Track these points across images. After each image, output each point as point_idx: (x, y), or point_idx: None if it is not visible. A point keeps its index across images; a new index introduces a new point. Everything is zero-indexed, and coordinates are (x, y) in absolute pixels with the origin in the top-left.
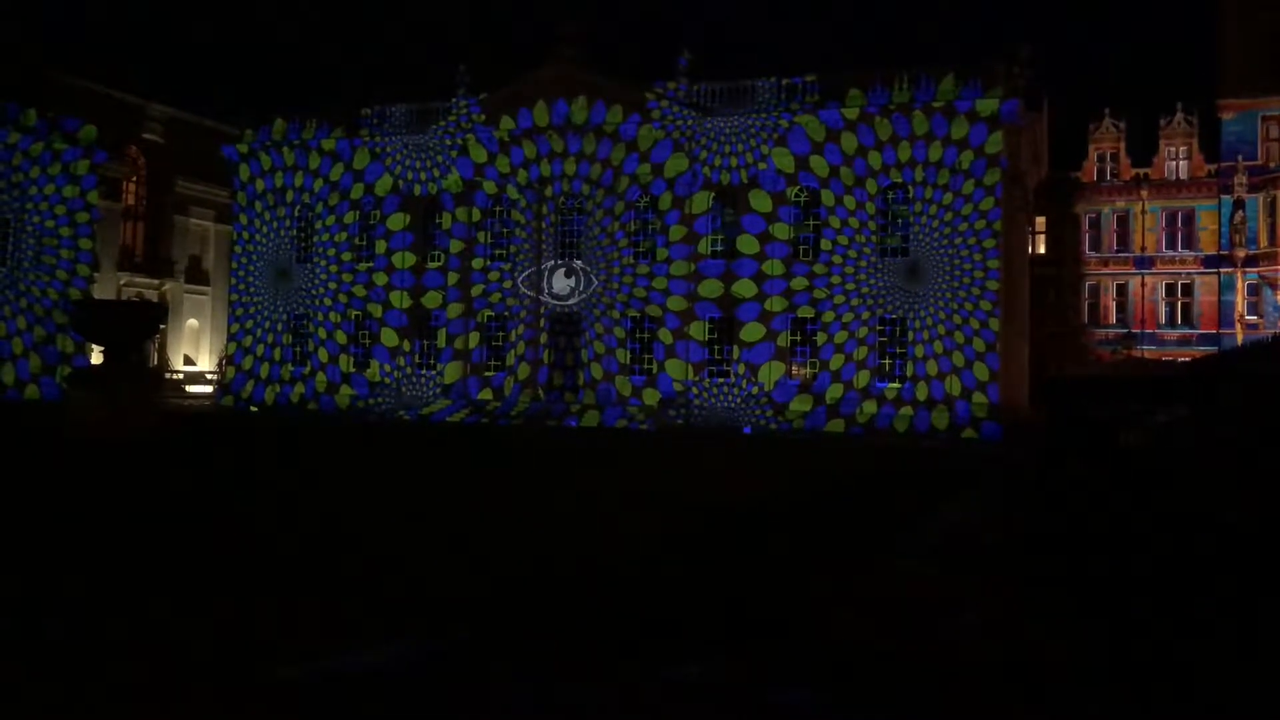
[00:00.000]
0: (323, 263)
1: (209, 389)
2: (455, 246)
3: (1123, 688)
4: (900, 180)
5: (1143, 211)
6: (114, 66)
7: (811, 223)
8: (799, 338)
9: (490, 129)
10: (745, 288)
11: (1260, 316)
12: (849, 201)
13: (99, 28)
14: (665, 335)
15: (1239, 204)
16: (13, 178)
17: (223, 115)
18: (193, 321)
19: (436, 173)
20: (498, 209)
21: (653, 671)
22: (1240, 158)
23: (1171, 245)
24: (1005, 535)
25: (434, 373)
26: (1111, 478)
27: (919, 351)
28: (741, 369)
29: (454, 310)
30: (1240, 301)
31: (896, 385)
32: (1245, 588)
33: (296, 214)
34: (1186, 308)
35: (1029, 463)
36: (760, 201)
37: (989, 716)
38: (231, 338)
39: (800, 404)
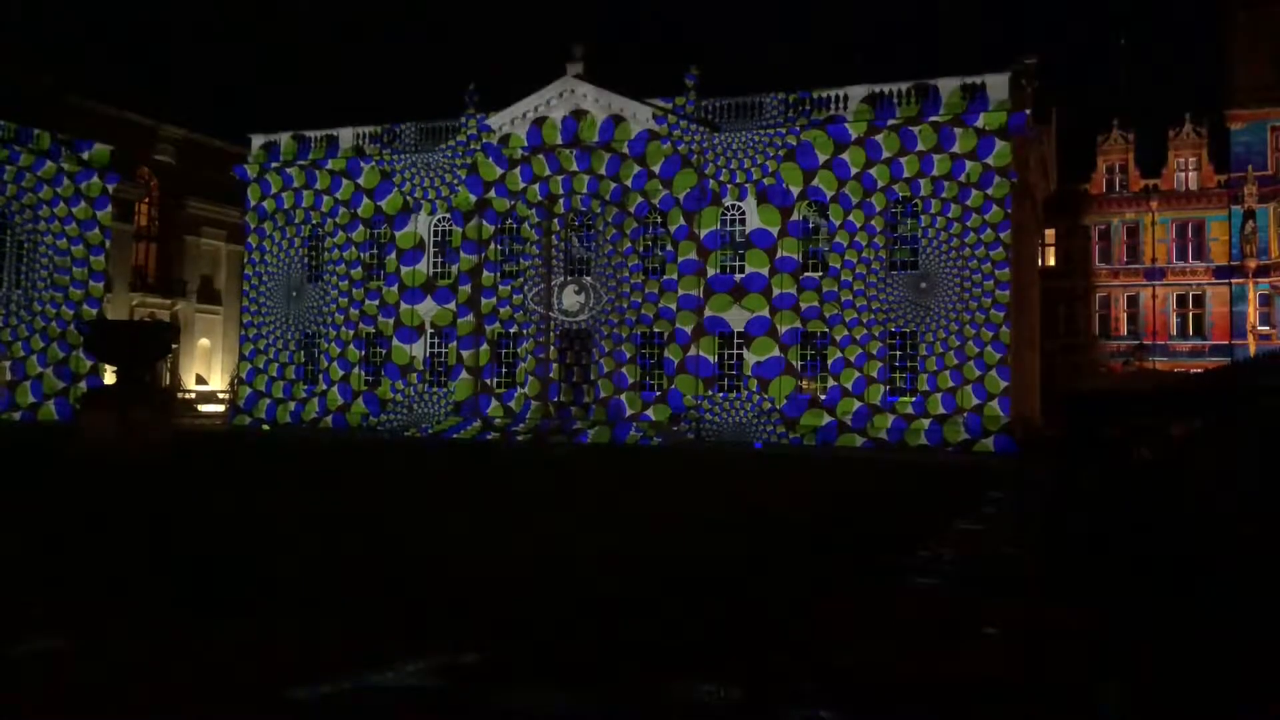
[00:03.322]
0: (333, 280)
1: (221, 408)
2: (465, 263)
3: (1142, 707)
4: (909, 194)
5: (1153, 223)
6: (126, 89)
7: (820, 237)
8: (809, 352)
9: (500, 146)
10: (755, 302)
11: (1272, 327)
12: (857, 216)
13: (110, 50)
14: (675, 351)
15: (1249, 214)
16: (26, 199)
17: (233, 136)
18: (205, 341)
19: (446, 190)
20: (508, 225)
21: (667, 692)
22: (1250, 168)
23: (1182, 256)
24: (1022, 551)
25: (445, 390)
26: (1127, 491)
27: (930, 365)
28: (752, 384)
29: (464, 327)
30: (1252, 312)
31: (908, 399)
32: (1265, 601)
33: (307, 233)
34: (1198, 319)
35: (1043, 476)
36: (769, 216)
37: None
38: (243, 357)
39: (811, 419)
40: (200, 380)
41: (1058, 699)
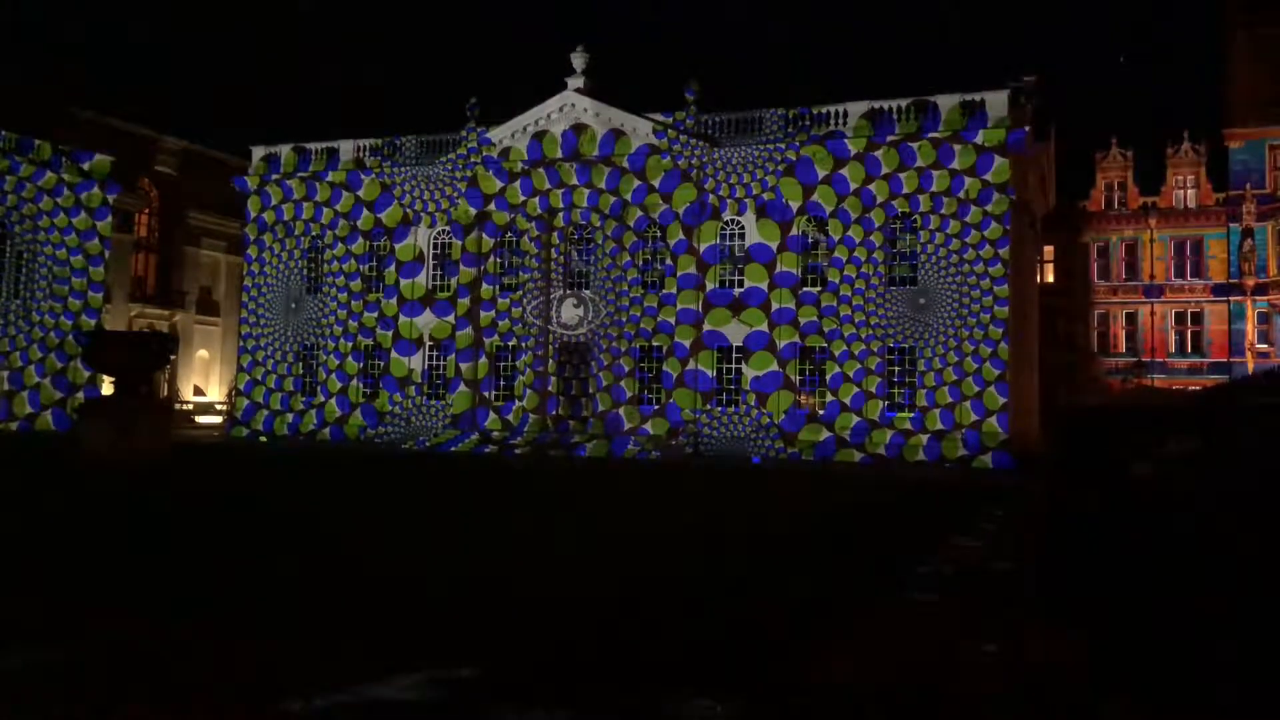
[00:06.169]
0: (332, 293)
1: (219, 420)
2: (464, 276)
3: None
4: (907, 209)
5: (1151, 240)
6: (127, 100)
7: (819, 252)
8: (808, 367)
9: (500, 160)
10: (753, 317)
11: (1271, 344)
12: (856, 231)
13: (112, 61)
14: (673, 364)
15: (1248, 232)
16: (26, 209)
17: (234, 147)
18: (203, 352)
19: (446, 203)
20: (507, 239)
21: (663, 707)
22: (1248, 186)
23: (1180, 274)
24: (1018, 566)
25: (442, 402)
26: (1123, 508)
27: (928, 380)
28: (751, 398)
29: (463, 340)
30: (1251, 330)
31: (906, 414)
32: (1258, 616)
33: (306, 245)
34: (1196, 336)
35: (1041, 492)
36: (768, 231)
37: None
38: (241, 368)
39: (810, 434)
40: (198, 391)
41: (1055, 716)
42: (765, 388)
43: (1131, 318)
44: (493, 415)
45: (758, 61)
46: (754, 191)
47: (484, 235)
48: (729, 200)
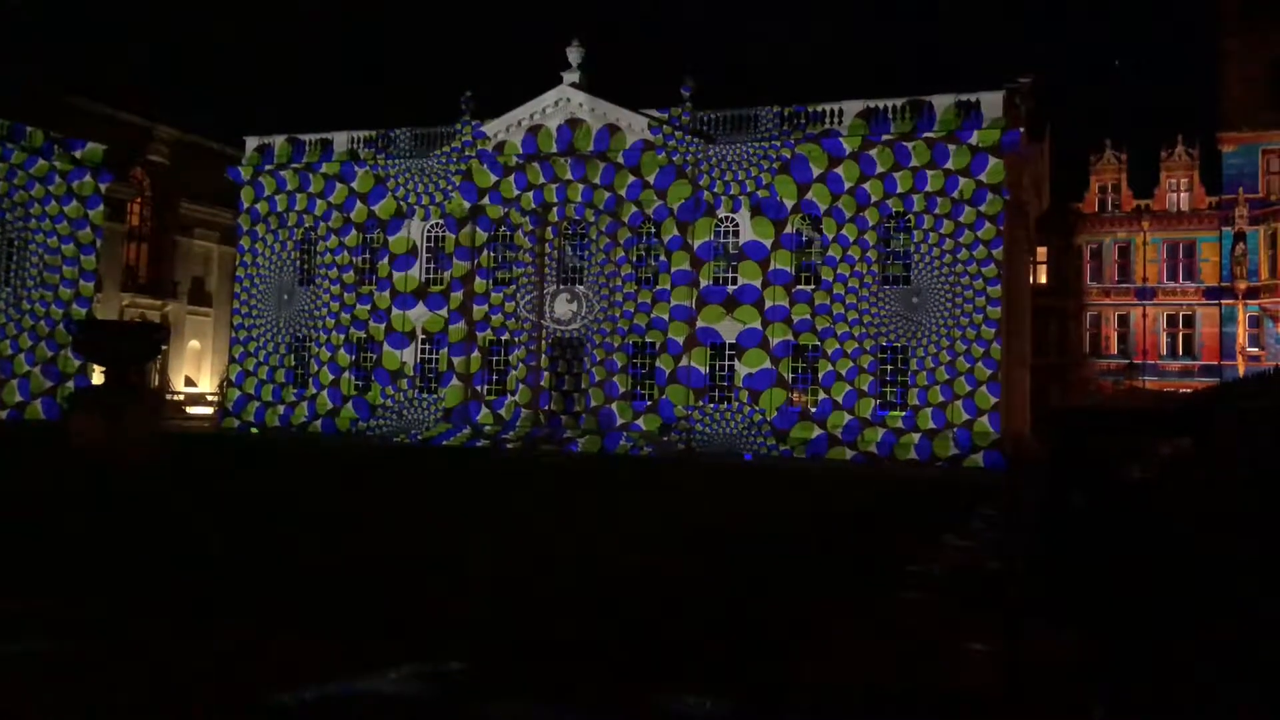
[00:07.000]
0: (325, 285)
1: (210, 411)
2: (458, 270)
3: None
4: (902, 209)
5: (1144, 243)
6: (121, 88)
7: (813, 250)
8: (801, 365)
9: (494, 153)
10: (747, 314)
11: (1262, 348)
12: (850, 229)
13: (105, 49)
14: (666, 361)
15: (1240, 236)
16: (17, 197)
17: (228, 137)
18: (195, 343)
19: (440, 196)
20: (501, 233)
21: (653, 703)
22: (1241, 190)
23: (1173, 276)
24: (1009, 566)
25: (435, 396)
26: (1115, 509)
27: (921, 379)
28: (743, 395)
29: (456, 333)
30: (1241, 333)
31: (898, 413)
32: (1248, 620)
33: (299, 236)
34: (1188, 339)
35: (1032, 493)
36: (762, 228)
37: None
38: (233, 359)
39: (802, 431)
40: (189, 382)
41: (1048, 716)
42: (758, 385)
43: (1124, 320)
44: (485, 410)
45: (754, 59)
46: (749, 189)
47: (478, 229)
48: (723, 197)
